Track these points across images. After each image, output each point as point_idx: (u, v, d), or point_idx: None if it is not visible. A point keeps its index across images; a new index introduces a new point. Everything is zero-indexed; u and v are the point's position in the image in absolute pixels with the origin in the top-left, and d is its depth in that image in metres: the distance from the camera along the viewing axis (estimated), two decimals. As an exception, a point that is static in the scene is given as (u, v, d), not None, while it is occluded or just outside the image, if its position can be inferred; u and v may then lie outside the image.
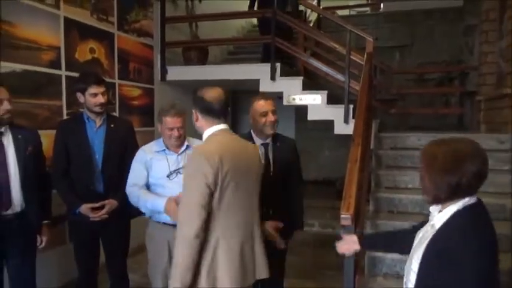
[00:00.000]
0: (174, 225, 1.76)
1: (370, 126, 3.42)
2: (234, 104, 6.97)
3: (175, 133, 2.26)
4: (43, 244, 2.39)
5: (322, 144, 6.76)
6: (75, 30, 3.46)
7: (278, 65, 4.23)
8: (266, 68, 4.22)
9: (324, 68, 4.12)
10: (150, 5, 4.48)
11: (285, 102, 4.16)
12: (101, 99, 2.42)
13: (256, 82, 4.28)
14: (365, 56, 3.69)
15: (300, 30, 4.62)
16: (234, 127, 6.97)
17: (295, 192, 2.47)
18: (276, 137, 2.35)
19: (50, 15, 3.21)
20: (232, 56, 6.42)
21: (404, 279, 1.42)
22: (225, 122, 1.77)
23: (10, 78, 2.82)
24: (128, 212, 2.43)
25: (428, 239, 1.32)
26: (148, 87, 4.48)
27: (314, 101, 4.03)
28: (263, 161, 2.20)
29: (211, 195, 1.59)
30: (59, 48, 3.30)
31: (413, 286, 1.33)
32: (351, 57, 3.85)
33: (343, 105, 3.88)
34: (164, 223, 2.20)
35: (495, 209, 2.76)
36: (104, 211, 2.41)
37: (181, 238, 1.57)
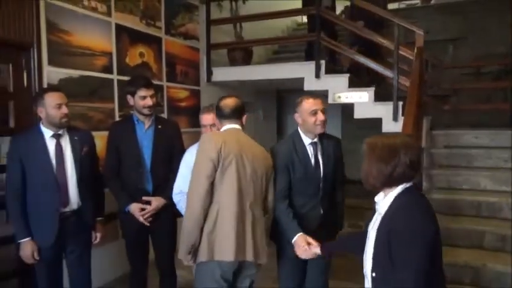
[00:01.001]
0: None
1: (421, 124, 3.27)
2: (279, 103, 6.96)
3: (208, 130, 2.31)
4: (97, 240, 2.52)
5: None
6: (125, 36, 3.61)
7: (323, 62, 4.16)
8: (310, 66, 4.16)
9: (371, 64, 3.99)
10: (196, 8, 4.59)
11: (330, 101, 4.08)
12: (149, 101, 2.51)
13: (301, 80, 4.23)
14: (415, 50, 3.54)
15: (346, 27, 4.51)
16: (279, 126, 6.98)
17: (341, 192, 2.42)
18: (321, 136, 2.31)
19: (102, 22, 3.39)
20: (277, 55, 6.41)
21: (364, 270, 1.51)
22: (237, 123, 2.09)
23: (67, 84, 3.01)
24: (174, 210, 2.50)
25: (378, 225, 1.44)
26: (194, 89, 4.59)
27: (361, 99, 3.91)
28: (313, 162, 2.23)
29: (214, 169, 1.89)
30: (111, 53, 3.47)
31: (370, 272, 1.44)
32: (400, 52, 3.70)
33: (391, 102, 3.74)
34: None
35: None
36: (150, 208, 2.49)
37: (189, 203, 1.90)
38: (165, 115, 4.06)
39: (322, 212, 2.25)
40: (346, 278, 3.37)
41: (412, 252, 1.30)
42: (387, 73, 3.89)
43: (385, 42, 3.90)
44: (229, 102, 2.12)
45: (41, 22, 2.85)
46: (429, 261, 1.30)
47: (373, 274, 1.42)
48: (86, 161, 2.37)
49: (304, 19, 7.79)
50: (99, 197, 2.52)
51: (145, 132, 2.57)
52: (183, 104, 4.41)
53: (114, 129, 2.64)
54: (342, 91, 4.02)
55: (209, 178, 1.88)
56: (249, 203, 1.98)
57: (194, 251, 1.93)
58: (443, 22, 6.31)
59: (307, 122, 2.19)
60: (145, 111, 2.52)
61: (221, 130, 2.09)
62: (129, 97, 2.55)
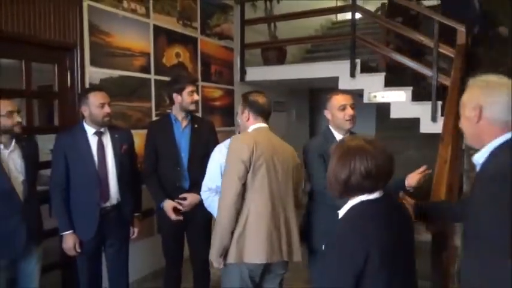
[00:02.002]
0: None
1: (462, 124, 3.14)
2: (312, 103, 6.90)
3: None
4: (135, 235, 2.60)
5: (405, 143, 6.36)
6: (163, 37, 3.70)
7: (358, 61, 4.09)
8: (345, 64, 4.10)
9: (409, 63, 3.88)
10: (231, 9, 4.63)
11: (365, 100, 4.00)
12: (196, 96, 2.62)
13: (335, 80, 4.18)
14: (456, 47, 3.41)
15: (382, 24, 4.41)
16: (312, 126, 6.92)
17: None
18: (352, 134, 2.27)
19: (141, 24, 3.49)
20: (310, 54, 6.36)
21: None
22: (266, 123, 2.11)
23: (108, 83, 3.12)
24: None
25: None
26: (228, 88, 4.63)
27: (398, 98, 3.81)
28: None
29: (246, 171, 1.89)
30: (149, 54, 3.56)
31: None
32: (440, 50, 3.57)
33: (430, 102, 3.62)
34: None
35: None
36: (185, 203, 2.55)
37: (222, 205, 1.90)
38: (199, 114, 4.12)
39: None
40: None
41: (332, 270, 1.27)
42: (426, 71, 3.78)
43: (424, 39, 3.78)
44: (264, 100, 2.11)
45: (84, 24, 2.97)
46: (355, 282, 1.20)
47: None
48: (125, 158, 2.46)
49: (340, 17, 7.71)
50: (137, 193, 2.61)
51: (182, 132, 2.63)
52: (217, 103, 4.46)
53: (152, 129, 2.72)
54: (378, 90, 3.93)
55: (241, 180, 1.88)
56: (281, 204, 1.98)
57: (225, 253, 1.93)
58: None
59: (337, 117, 2.20)
60: (193, 106, 2.62)
61: (251, 128, 2.07)
62: (175, 95, 2.61)
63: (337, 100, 2.20)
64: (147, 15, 3.54)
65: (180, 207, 2.54)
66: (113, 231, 2.43)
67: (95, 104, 2.33)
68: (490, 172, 1.23)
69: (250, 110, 2.08)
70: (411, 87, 3.82)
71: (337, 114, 2.19)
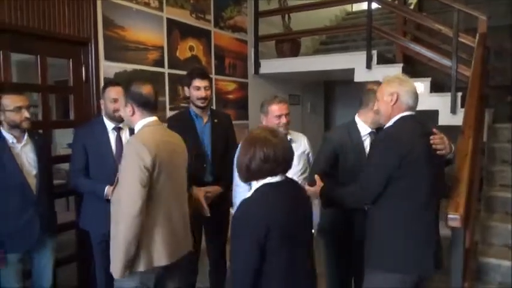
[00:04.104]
0: None
1: (483, 117, 3.06)
2: (326, 95, 6.82)
3: (284, 120, 2.32)
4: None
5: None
6: (176, 30, 3.69)
7: (374, 52, 4.00)
8: (361, 56, 4.02)
9: (427, 53, 3.77)
10: (244, 1, 4.58)
11: (382, 92, 3.91)
12: (202, 93, 2.54)
13: (351, 71, 4.10)
14: (477, 37, 3.30)
15: (399, 13, 4.31)
16: (327, 118, 6.84)
17: None
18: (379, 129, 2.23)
19: (154, 17, 3.47)
20: (325, 46, 6.26)
21: None
22: (156, 113, 1.91)
23: (122, 77, 3.12)
24: (230, 200, 2.53)
25: None
26: (242, 81, 4.60)
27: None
28: (367, 152, 2.12)
29: (149, 177, 1.73)
30: (162, 48, 3.55)
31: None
32: (460, 39, 3.47)
33: (449, 94, 3.52)
34: None
35: None
36: (211, 189, 2.56)
37: (126, 216, 1.68)
38: (213, 107, 4.10)
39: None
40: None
41: (241, 244, 1.40)
42: (444, 62, 3.67)
43: (443, 28, 3.67)
44: (149, 90, 1.88)
45: (98, 19, 2.98)
46: (260, 254, 1.37)
47: (228, 262, 1.54)
48: None
49: (355, 8, 7.57)
50: None
51: (203, 127, 2.62)
52: (231, 96, 4.44)
53: (173, 125, 2.62)
54: (395, 82, 3.84)
55: (145, 187, 1.72)
56: (180, 201, 1.94)
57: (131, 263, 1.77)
58: (509, 6, 5.83)
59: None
60: (199, 102, 2.56)
61: (140, 124, 1.87)
62: (186, 88, 2.61)
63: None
64: (161, 9, 3.53)
65: (209, 194, 2.53)
66: None
67: (108, 99, 2.35)
68: (380, 135, 1.87)
69: (133, 103, 1.85)
70: (429, 78, 3.72)
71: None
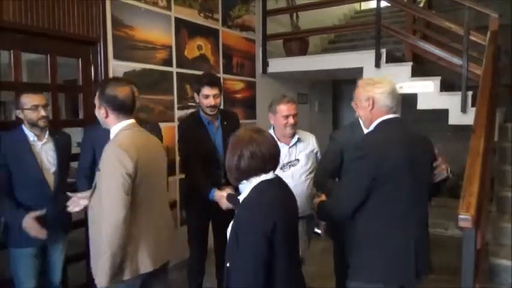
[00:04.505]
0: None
1: (494, 116, 3.01)
2: (335, 94, 6.79)
3: (291, 120, 2.31)
4: None
5: (432, 136, 6.12)
6: (184, 29, 3.69)
7: (383, 51, 3.97)
8: (370, 55, 3.99)
9: (437, 52, 3.73)
10: (252, 0, 4.57)
11: (391, 91, 3.88)
12: (211, 101, 2.49)
13: (359, 70, 4.07)
14: (488, 35, 3.25)
15: (409, 11, 4.27)
16: (335, 117, 6.82)
17: None
18: None
19: (163, 16, 3.48)
20: (333, 44, 6.23)
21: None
22: (132, 116, 1.81)
23: (131, 77, 3.14)
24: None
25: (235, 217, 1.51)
26: (250, 80, 4.60)
27: (425, 89, 3.68)
28: None
29: (131, 183, 1.65)
30: (170, 47, 3.56)
31: (225, 262, 1.49)
32: (470, 37, 3.42)
33: (459, 93, 3.48)
34: None
35: None
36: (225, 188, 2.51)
37: (110, 227, 1.60)
38: (221, 107, 4.10)
39: None
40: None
41: (250, 240, 1.40)
42: (455, 60, 3.63)
43: (453, 26, 3.63)
44: (128, 93, 1.78)
45: (107, 18, 2.99)
46: (269, 250, 1.39)
47: (227, 264, 1.49)
48: None
49: (364, 6, 7.52)
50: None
51: (216, 133, 2.61)
52: (238, 95, 4.44)
53: (186, 130, 2.62)
54: (405, 81, 3.81)
55: (128, 195, 1.64)
56: (161, 204, 1.88)
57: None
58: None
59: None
60: (208, 110, 2.52)
61: (117, 128, 1.78)
62: (195, 94, 2.58)
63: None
64: (169, 8, 3.53)
65: (232, 192, 2.50)
66: None
67: None
68: (357, 144, 1.74)
69: (107, 106, 1.76)
70: (439, 77, 3.69)
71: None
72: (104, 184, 1.66)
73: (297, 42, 4.79)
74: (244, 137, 1.50)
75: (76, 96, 3.01)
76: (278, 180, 1.57)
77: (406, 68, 3.86)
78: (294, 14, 5.04)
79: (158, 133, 2.56)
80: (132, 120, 1.80)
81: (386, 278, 1.68)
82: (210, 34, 4.00)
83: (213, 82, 2.53)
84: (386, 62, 3.98)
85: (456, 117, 3.51)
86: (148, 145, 1.81)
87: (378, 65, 3.94)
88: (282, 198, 1.52)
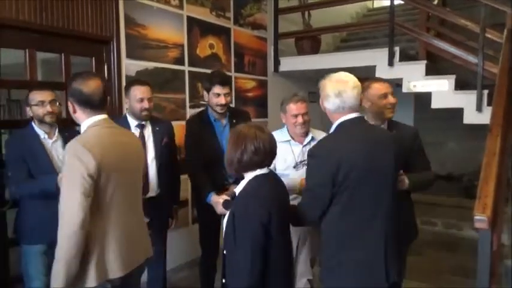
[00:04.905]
0: None
1: (511, 115, 2.95)
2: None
3: (300, 119, 2.28)
4: (173, 226, 2.64)
5: (446, 135, 6.10)
6: (196, 28, 3.70)
7: (397, 49, 3.92)
8: (383, 53, 3.95)
9: (452, 50, 3.67)
10: (264, -2, 4.57)
11: (404, 90, 3.84)
12: (222, 100, 2.48)
13: (372, 69, 4.03)
14: (504, 32, 3.19)
15: (423, 9, 4.21)
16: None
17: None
18: (391, 124, 2.17)
19: (175, 15, 3.49)
20: (345, 43, 6.19)
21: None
22: (104, 112, 1.70)
23: (143, 75, 3.16)
24: None
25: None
26: (262, 79, 4.59)
27: (440, 87, 3.63)
28: None
29: (93, 185, 1.53)
30: (182, 45, 3.57)
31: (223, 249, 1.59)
32: (486, 35, 3.36)
33: (475, 91, 3.42)
34: None
35: None
36: (228, 192, 2.51)
37: (65, 229, 1.49)
38: (232, 106, 4.11)
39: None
40: (423, 279, 3.19)
41: (247, 228, 1.49)
42: (470, 58, 3.57)
43: (468, 24, 3.56)
44: (96, 87, 1.66)
45: (120, 17, 3.02)
46: (265, 237, 1.49)
47: (224, 251, 1.57)
48: (165, 151, 2.49)
49: (376, 4, 7.45)
50: (175, 185, 2.62)
51: (222, 131, 2.59)
52: (250, 94, 4.43)
53: (193, 128, 2.61)
54: (418, 79, 3.76)
55: (88, 197, 1.52)
56: (134, 207, 1.76)
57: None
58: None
59: (377, 105, 2.08)
60: (218, 109, 2.52)
61: (86, 125, 1.67)
62: (205, 93, 2.57)
63: (377, 88, 2.10)
64: (181, 7, 3.54)
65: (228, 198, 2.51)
66: (151, 222, 2.44)
67: (135, 98, 2.37)
68: (310, 149, 1.80)
69: (73, 101, 1.66)
70: (454, 76, 3.63)
71: (378, 102, 2.08)
72: (63, 184, 1.56)
73: (308, 41, 4.77)
74: (249, 133, 1.59)
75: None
76: (272, 174, 1.67)
77: (420, 66, 3.80)
78: (306, 12, 5.02)
79: (170, 131, 2.58)
80: (103, 116, 1.68)
81: (356, 281, 1.65)
82: (222, 33, 4.00)
83: (225, 81, 2.53)
84: (400, 60, 3.93)
85: (471, 116, 3.45)
86: (120, 142, 1.71)
87: (391, 63, 3.90)
88: (276, 192, 1.63)
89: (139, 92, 2.36)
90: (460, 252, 3.77)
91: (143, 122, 2.43)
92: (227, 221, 1.57)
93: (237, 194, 1.64)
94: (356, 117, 1.70)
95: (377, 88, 2.10)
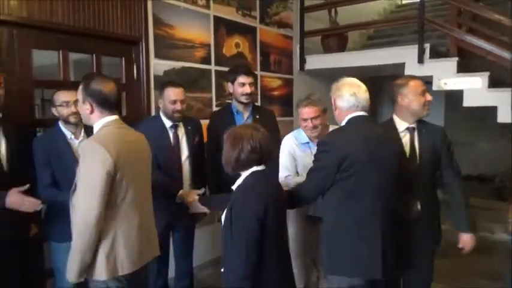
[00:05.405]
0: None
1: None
2: (373, 90, 6.62)
3: (310, 124, 2.26)
4: (200, 221, 2.68)
5: (478, 134, 5.90)
6: (222, 27, 3.72)
7: (427, 45, 3.82)
8: (412, 50, 3.85)
9: (485, 46, 3.54)
10: (290, -4, 4.54)
11: (435, 88, 3.73)
12: (247, 89, 2.54)
13: (401, 66, 3.94)
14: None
15: (454, 4, 4.07)
16: (373, 113, 6.65)
17: (458, 188, 2.17)
18: (419, 123, 2.15)
19: (202, 15, 3.53)
20: (372, 40, 6.07)
21: None
22: (117, 113, 1.76)
23: (171, 75, 3.21)
24: None
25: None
26: (287, 78, 4.57)
27: (472, 85, 3.51)
28: (407, 149, 2.07)
29: (110, 184, 1.59)
30: (209, 45, 3.60)
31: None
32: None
33: (509, 89, 3.28)
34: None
35: None
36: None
37: (83, 226, 1.57)
38: (258, 104, 4.11)
39: (419, 208, 2.07)
40: (453, 282, 3.10)
41: (244, 225, 1.54)
42: (505, 55, 3.43)
43: (502, 18, 3.43)
44: (113, 88, 1.74)
45: (149, 18, 3.07)
46: (260, 232, 1.54)
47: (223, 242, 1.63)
48: (197, 149, 2.53)
49: (405, 0, 7.27)
50: (205, 182, 2.65)
51: (244, 123, 2.61)
52: (276, 93, 4.43)
53: (214, 120, 2.71)
54: (450, 77, 3.65)
55: (105, 196, 1.58)
56: (144, 206, 1.80)
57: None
58: None
59: (414, 103, 2.07)
60: (243, 98, 2.56)
61: (100, 124, 1.72)
62: (229, 85, 2.62)
63: (414, 86, 2.10)
64: (207, 6, 3.57)
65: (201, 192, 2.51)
66: (182, 218, 2.47)
67: (168, 99, 2.41)
68: (322, 139, 1.94)
69: (92, 101, 1.70)
70: (487, 73, 3.50)
71: (416, 99, 2.08)
72: (80, 181, 1.61)
73: (335, 39, 4.71)
74: (245, 133, 1.65)
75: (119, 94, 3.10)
76: (268, 171, 1.73)
77: (452, 63, 3.69)
78: (333, 10, 4.95)
79: (200, 129, 2.62)
80: (115, 117, 1.74)
81: (353, 271, 1.78)
82: (248, 32, 4.01)
83: (249, 71, 2.62)
84: (430, 57, 3.82)
85: (505, 115, 3.32)
86: (131, 142, 1.76)
87: (421, 60, 3.80)
88: (272, 187, 1.70)
89: (173, 93, 2.40)
90: (491, 255, 3.64)
91: (176, 123, 2.47)
92: (225, 215, 1.64)
93: (235, 188, 1.69)
94: (364, 115, 1.87)
95: (415, 85, 2.10)
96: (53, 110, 2.25)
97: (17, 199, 1.90)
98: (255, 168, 1.67)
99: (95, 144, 1.61)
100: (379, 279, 1.79)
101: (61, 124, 2.25)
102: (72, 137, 2.25)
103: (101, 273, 1.63)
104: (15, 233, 2.09)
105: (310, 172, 1.89)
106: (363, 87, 1.90)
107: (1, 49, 2.36)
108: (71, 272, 1.62)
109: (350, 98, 1.85)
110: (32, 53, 2.50)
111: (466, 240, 2.15)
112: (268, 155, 1.70)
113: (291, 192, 1.98)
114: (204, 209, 2.26)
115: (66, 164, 2.16)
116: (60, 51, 2.63)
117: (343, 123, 1.89)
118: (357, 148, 1.75)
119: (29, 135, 2.31)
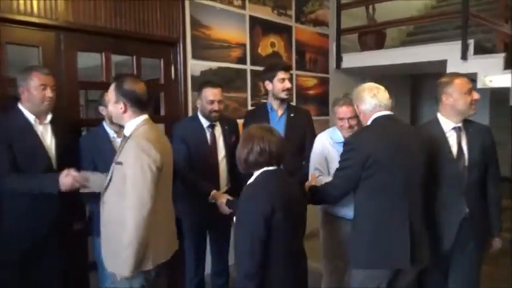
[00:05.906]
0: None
1: None
2: (413, 89, 6.42)
3: (346, 124, 2.23)
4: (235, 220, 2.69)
5: (526, 135, 5.57)
6: (258, 27, 3.73)
7: (471, 41, 3.65)
8: (455, 46, 3.69)
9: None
10: (326, -6, 4.48)
11: (479, 85, 3.56)
12: (287, 84, 2.56)
13: (442, 64, 3.79)
14: None
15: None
16: (413, 112, 6.46)
17: (495, 189, 2.12)
18: (465, 121, 2.08)
19: (237, 15, 3.55)
20: (412, 37, 5.88)
21: None
22: (146, 112, 1.83)
23: (207, 75, 3.25)
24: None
25: None
26: (323, 76, 4.52)
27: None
28: (454, 150, 2.03)
29: (158, 177, 1.69)
30: (245, 45, 3.62)
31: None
32: None
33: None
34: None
35: None
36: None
37: (138, 218, 1.63)
38: (293, 103, 4.09)
39: (467, 209, 2.01)
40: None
41: (250, 219, 1.55)
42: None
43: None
44: (143, 88, 1.81)
45: (186, 19, 3.13)
46: (266, 232, 1.53)
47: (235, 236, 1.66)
48: (233, 149, 2.51)
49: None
50: (241, 181, 2.66)
51: (278, 121, 2.61)
52: (311, 92, 4.39)
53: (248, 118, 2.73)
54: (495, 74, 3.47)
55: (155, 186, 1.68)
56: (169, 200, 1.93)
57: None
58: None
59: (460, 102, 2.01)
60: (283, 94, 2.56)
61: (135, 122, 1.79)
62: (267, 83, 2.61)
63: (461, 84, 2.03)
64: (243, 7, 3.60)
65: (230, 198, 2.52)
66: (219, 216, 2.45)
67: (206, 99, 2.45)
68: (348, 138, 2.04)
69: (126, 101, 1.76)
70: (538, 69, 3.30)
71: (462, 98, 2.01)
72: (130, 177, 1.66)
73: (372, 36, 4.61)
74: (256, 134, 1.65)
75: (157, 94, 3.19)
76: (281, 171, 1.72)
77: (498, 60, 3.51)
78: (370, 7, 4.84)
79: (236, 129, 2.64)
80: (146, 116, 1.81)
81: (379, 262, 1.81)
82: (283, 31, 4.00)
83: (287, 66, 2.68)
84: (475, 53, 3.65)
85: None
86: (164, 143, 1.86)
87: (464, 57, 3.64)
88: (284, 187, 1.66)
89: (210, 93, 2.43)
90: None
91: (214, 123, 2.51)
92: (237, 212, 1.68)
93: (243, 189, 1.69)
94: (389, 114, 1.91)
95: (461, 84, 2.03)
96: (101, 109, 2.34)
97: (68, 179, 1.96)
98: (266, 168, 1.66)
99: (144, 142, 1.69)
100: (403, 271, 1.84)
101: (105, 123, 2.34)
102: (115, 136, 2.33)
103: (148, 264, 1.72)
104: (61, 221, 2.16)
105: (337, 171, 1.93)
106: (382, 88, 1.96)
107: (50, 52, 2.48)
108: (125, 266, 1.65)
109: (371, 100, 1.91)
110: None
111: (494, 242, 2.19)
112: (281, 158, 1.68)
113: (317, 188, 2.04)
114: (228, 211, 2.28)
115: (107, 162, 2.21)
116: (103, 53, 2.73)
117: (369, 122, 1.94)
118: (379, 146, 1.80)
119: (76, 134, 2.42)
